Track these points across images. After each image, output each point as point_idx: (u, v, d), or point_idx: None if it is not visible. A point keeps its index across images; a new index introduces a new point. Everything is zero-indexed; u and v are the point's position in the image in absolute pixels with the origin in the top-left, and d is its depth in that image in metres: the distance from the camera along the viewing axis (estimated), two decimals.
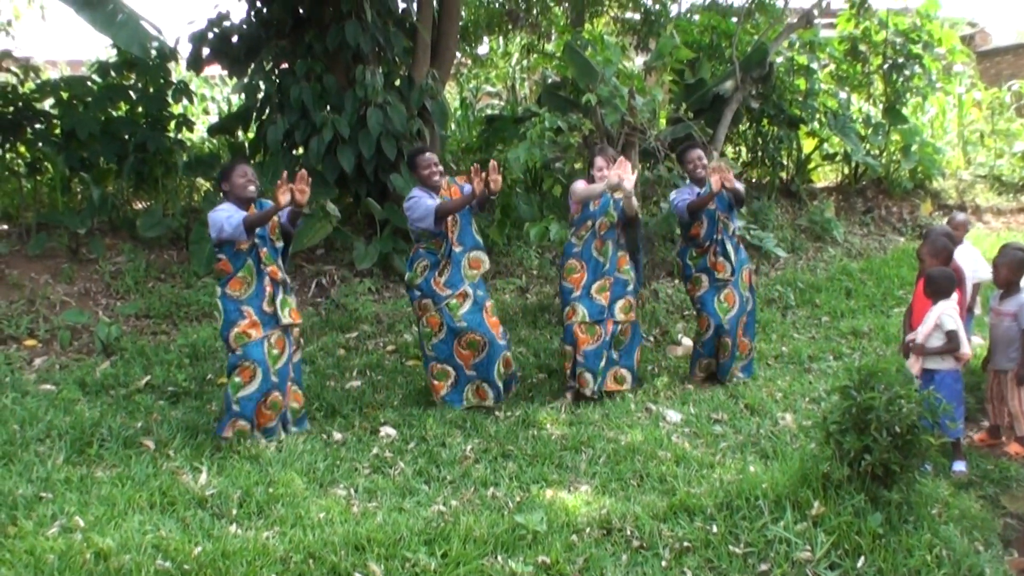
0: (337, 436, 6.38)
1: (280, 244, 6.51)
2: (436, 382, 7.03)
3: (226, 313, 6.21)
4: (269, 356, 6.21)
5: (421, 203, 6.81)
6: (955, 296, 6.03)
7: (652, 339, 8.79)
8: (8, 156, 10.24)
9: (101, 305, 8.68)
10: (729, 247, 7.60)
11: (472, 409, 6.91)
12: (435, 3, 10.97)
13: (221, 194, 6.42)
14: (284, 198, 5.99)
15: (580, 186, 7.27)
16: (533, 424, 6.59)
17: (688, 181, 7.76)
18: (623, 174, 6.80)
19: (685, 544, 4.69)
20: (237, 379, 6.12)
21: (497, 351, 6.95)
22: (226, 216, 6.10)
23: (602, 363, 7.23)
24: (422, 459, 5.96)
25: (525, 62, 17.32)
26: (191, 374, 7.45)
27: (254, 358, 6.13)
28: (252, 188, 6.32)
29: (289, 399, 6.43)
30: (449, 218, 6.90)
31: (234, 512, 5.06)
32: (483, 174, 6.65)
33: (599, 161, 7.25)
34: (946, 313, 5.88)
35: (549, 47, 16.49)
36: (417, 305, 7.06)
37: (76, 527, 4.72)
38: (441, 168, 7.06)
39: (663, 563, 4.59)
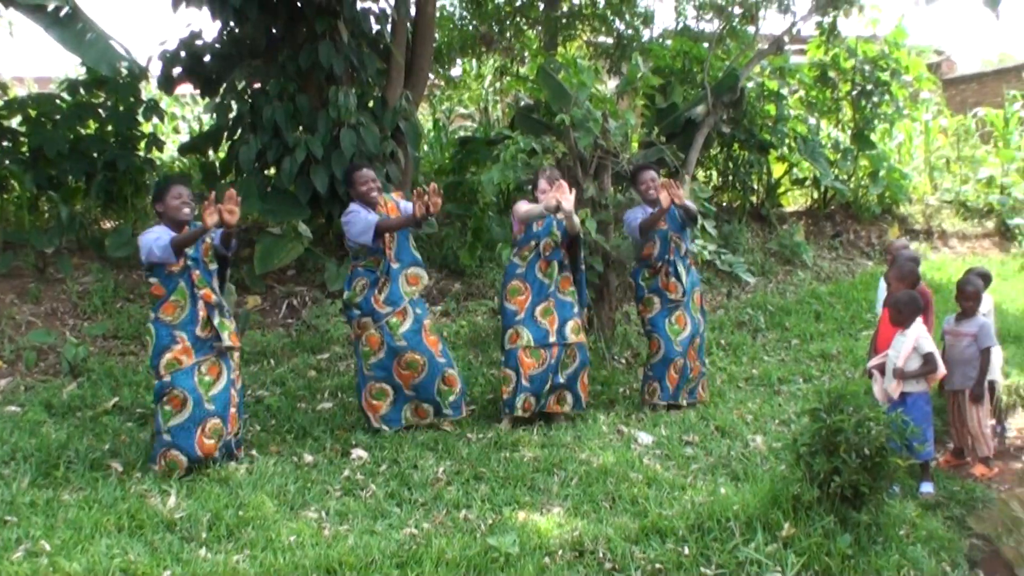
0: (308, 458, 6.35)
1: (214, 267, 6.36)
2: (374, 402, 6.91)
3: (158, 338, 6.03)
4: (200, 384, 6.04)
5: (360, 218, 6.77)
6: (919, 320, 6.11)
7: (624, 361, 8.82)
8: None
9: (68, 325, 8.60)
10: (681, 268, 7.61)
11: (441, 431, 6.90)
12: (409, 25, 11.00)
13: (156, 216, 6.29)
14: (211, 219, 5.79)
15: (522, 207, 7.23)
16: (505, 446, 6.59)
17: (641, 206, 7.76)
18: (560, 196, 6.81)
19: (657, 566, 4.71)
20: (167, 407, 5.97)
21: (436, 370, 6.91)
22: (155, 238, 5.96)
23: (547, 387, 7.19)
24: (394, 481, 5.94)
25: (498, 84, 17.40)
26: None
27: (183, 386, 5.97)
28: (187, 211, 6.16)
29: (231, 425, 6.22)
30: (387, 235, 6.87)
31: (203, 535, 5.02)
32: (424, 197, 6.54)
33: (542, 183, 7.24)
34: (922, 336, 5.97)
35: (522, 70, 16.57)
36: (356, 324, 6.96)
37: (42, 551, 4.67)
38: (379, 184, 7.04)
39: None
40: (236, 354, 6.41)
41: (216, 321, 6.14)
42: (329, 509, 5.49)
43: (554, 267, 7.25)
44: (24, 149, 9.81)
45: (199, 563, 4.58)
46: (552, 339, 7.15)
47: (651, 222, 7.41)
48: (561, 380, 7.25)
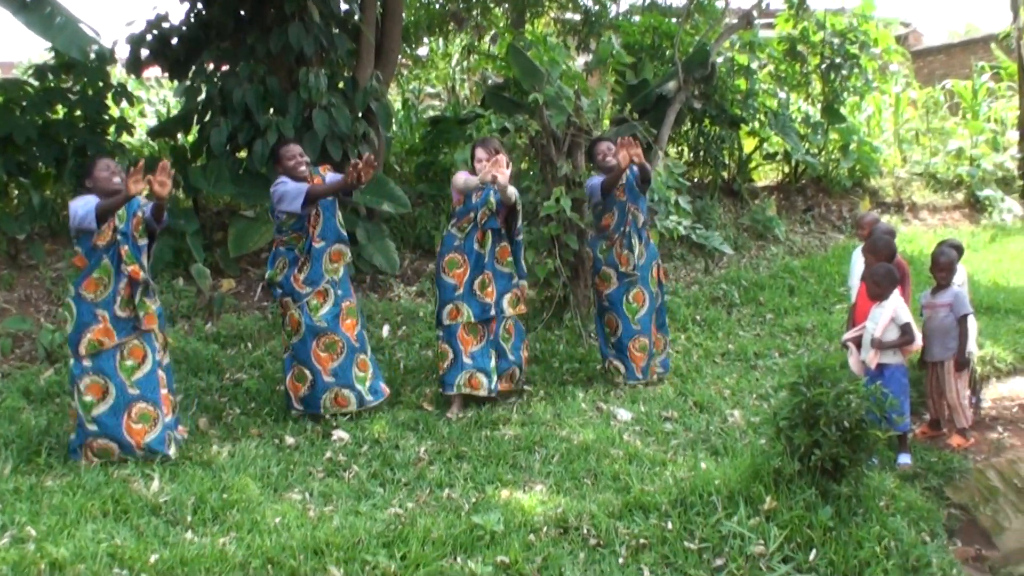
0: (289, 440, 6.38)
1: (144, 242, 6.14)
2: (296, 383, 6.82)
3: (78, 315, 5.86)
4: (122, 369, 5.88)
5: (290, 186, 6.62)
6: (896, 291, 6.19)
7: None
8: None
9: (43, 311, 8.56)
10: (635, 240, 7.61)
11: (422, 410, 6.94)
12: (378, 4, 10.96)
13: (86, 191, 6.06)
14: (135, 187, 5.57)
15: (460, 178, 7.16)
16: (486, 425, 6.64)
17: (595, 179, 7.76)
18: (495, 170, 6.79)
19: (641, 541, 4.78)
20: (88, 398, 5.81)
21: (353, 353, 6.85)
22: (82, 203, 5.82)
23: (492, 361, 7.10)
24: (376, 462, 5.98)
25: (465, 63, 17.36)
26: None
27: (104, 373, 5.83)
28: (117, 179, 5.97)
29: (166, 408, 6.07)
30: (312, 211, 6.73)
31: (189, 518, 5.04)
32: (357, 164, 6.47)
33: (479, 152, 7.12)
34: (900, 307, 6.06)
35: (492, 48, 16.54)
36: (279, 303, 6.92)
37: (28, 537, 4.67)
38: (307, 159, 6.91)
39: (620, 560, 4.67)
40: (160, 336, 6.24)
41: (136, 300, 5.96)
42: (313, 490, 5.53)
43: (489, 237, 7.13)
44: None
45: (186, 546, 4.60)
46: (492, 312, 7.07)
47: (612, 180, 7.41)
48: (510, 358, 7.23)
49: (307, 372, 6.77)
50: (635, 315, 7.62)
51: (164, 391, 6.11)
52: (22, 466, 5.77)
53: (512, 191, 7.09)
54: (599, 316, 7.91)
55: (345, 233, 7.00)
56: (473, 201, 7.13)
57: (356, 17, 10.84)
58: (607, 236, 7.69)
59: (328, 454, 6.13)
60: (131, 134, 11.40)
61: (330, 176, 6.95)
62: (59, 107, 10.19)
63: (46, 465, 5.78)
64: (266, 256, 10.00)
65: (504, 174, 6.85)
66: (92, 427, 5.84)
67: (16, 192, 10.24)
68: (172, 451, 5.99)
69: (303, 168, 6.80)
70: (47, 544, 4.53)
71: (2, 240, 9.24)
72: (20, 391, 7.05)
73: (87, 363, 5.83)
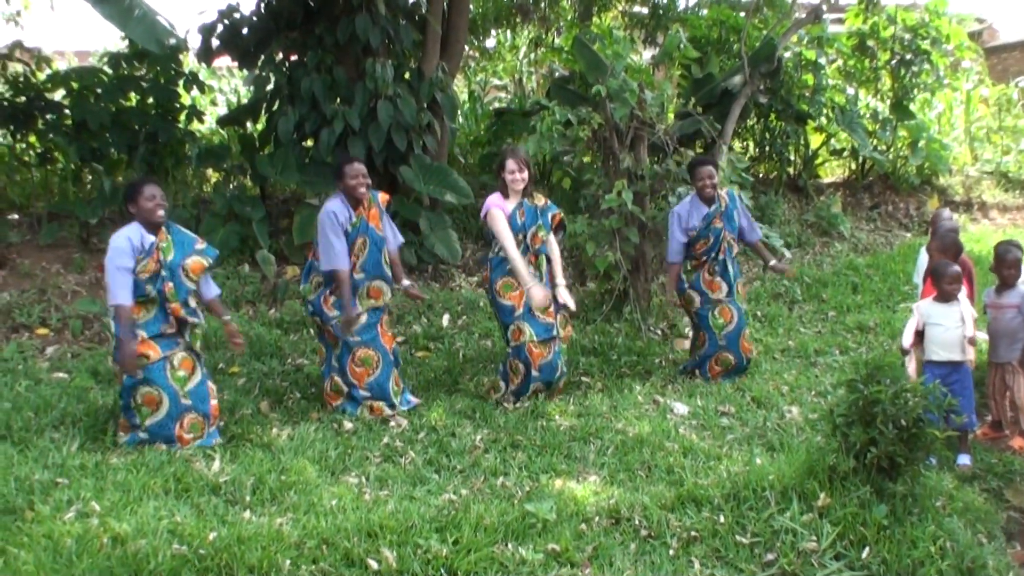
0: (348, 425, 6.45)
1: (192, 282, 6.10)
2: (332, 392, 6.81)
3: (117, 335, 5.79)
4: (175, 380, 5.91)
5: (334, 247, 6.48)
6: (964, 289, 6.10)
7: (659, 332, 8.85)
8: (19, 146, 10.34)
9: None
10: (729, 267, 7.52)
11: (479, 399, 6.98)
12: None
13: (129, 215, 6.03)
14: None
15: (498, 218, 6.87)
16: (542, 415, 6.66)
17: (692, 196, 7.59)
18: (539, 298, 6.81)
19: (692, 534, 4.76)
20: (144, 408, 5.86)
21: (390, 368, 6.76)
22: (119, 266, 5.74)
23: (557, 375, 7.05)
24: (432, 449, 6.04)
25: (532, 55, 17.37)
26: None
27: (157, 384, 5.85)
28: (161, 213, 5.91)
29: (212, 420, 6.11)
30: (359, 240, 6.62)
31: (248, 499, 5.14)
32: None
33: (510, 164, 6.93)
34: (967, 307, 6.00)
35: (557, 41, 16.54)
36: (312, 319, 6.88)
37: (92, 512, 4.79)
38: (368, 181, 6.69)
39: (671, 552, 4.66)
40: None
41: (188, 334, 6.07)
42: (369, 475, 5.60)
43: (543, 260, 7.03)
44: (68, 122, 9.95)
45: (244, 525, 4.68)
46: (554, 332, 6.96)
47: (673, 278, 7.62)
48: (564, 370, 7.18)
49: (343, 386, 6.76)
50: (721, 331, 7.53)
51: (214, 402, 6.16)
52: (88, 444, 5.91)
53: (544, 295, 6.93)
54: (695, 330, 7.83)
55: (389, 273, 6.83)
56: (519, 221, 6.95)
57: (423, 9, 10.90)
58: (695, 257, 7.57)
59: (385, 440, 6.19)
60: (201, 122, 11.60)
61: (384, 216, 6.83)
62: (132, 95, 10.43)
63: (111, 443, 5.92)
64: None
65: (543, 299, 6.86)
66: (143, 435, 5.92)
67: (89, 178, 10.49)
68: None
69: (363, 190, 6.61)
70: (110, 519, 4.65)
71: (75, 224, 9.47)
72: (89, 371, 7.23)
73: (139, 375, 5.83)
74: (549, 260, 7.08)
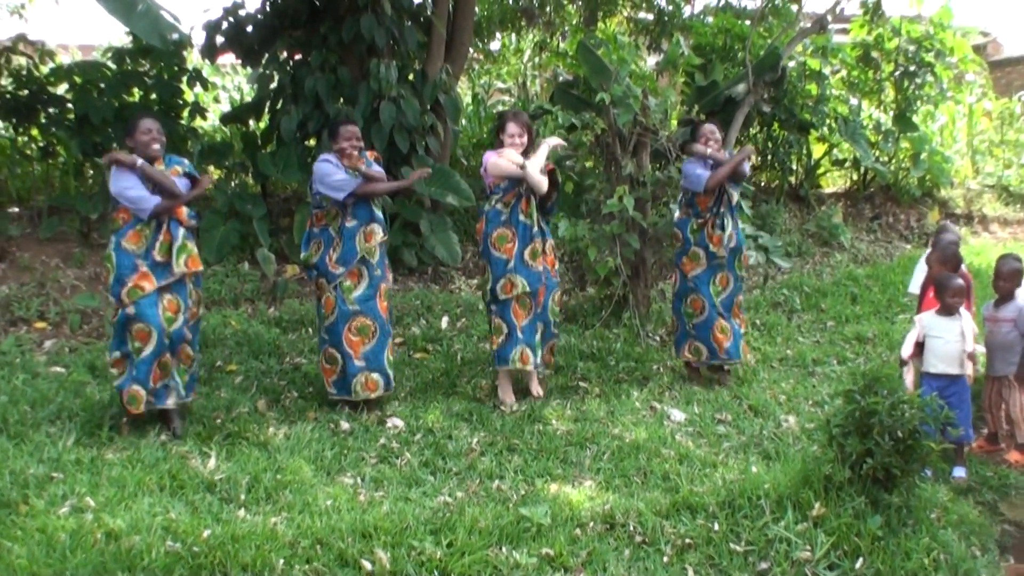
0: (344, 426, 6.45)
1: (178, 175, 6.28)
2: (327, 366, 6.81)
3: (118, 268, 5.98)
4: (164, 318, 6.02)
5: (338, 175, 6.60)
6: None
7: (658, 339, 8.85)
8: (21, 140, 10.33)
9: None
10: (728, 221, 7.46)
11: (477, 402, 6.98)
12: None
13: (128, 149, 6.16)
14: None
15: (500, 163, 6.90)
16: (539, 419, 6.66)
17: (693, 161, 7.53)
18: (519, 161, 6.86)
19: (687, 541, 4.77)
20: (137, 343, 5.96)
21: (386, 338, 6.81)
22: (131, 184, 5.96)
23: (537, 336, 7.07)
24: (428, 451, 6.04)
25: (537, 59, 17.38)
26: (200, 360, 7.48)
27: (148, 320, 5.95)
28: (156, 146, 6.10)
29: (179, 360, 6.24)
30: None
31: (242, 497, 5.14)
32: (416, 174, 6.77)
33: (511, 126, 6.97)
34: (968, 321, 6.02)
35: (562, 45, 16.55)
36: (315, 284, 6.89)
37: (87, 507, 4.80)
38: (361, 144, 6.79)
39: (665, 559, 4.66)
40: (195, 291, 6.36)
41: (176, 244, 6.07)
42: (365, 475, 5.60)
43: (533, 206, 7.04)
44: (70, 116, 9.94)
45: (238, 523, 4.69)
46: (543, 280, 7.01)
47: (720, 178, 7.29)
48: (553, 330, 7.27)
49: (338, 355, 6.74)
50: (718, 297, 7.53)
51: (185, 346, 6.27)
52: (84, 438, 5.90)
53: (541, 180, 6.95)
54: (679, 299, 7.71)
55: (380, 213, 6.90)
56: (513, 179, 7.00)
57: (428, 10, 10.91)
58: (699, 214, 7.51)
59: (382, 441, 6.19)
60: (204, 119, 11.59)
61: (375, 168, 6.83)
62: (135, 90, 10.41)
63: (107, 438, 5.91)
64: None
65: (532, 163, 6.86)
66: (133, 371, 5.99)
67: (91, 172, 10.49)
68: (170, 402, 6.16)
69: (355, 152, 6.71)
70: (105, 515, 4.66)
71: (75, 219, 9.46)
72: (86, 366, 7.23)
73: (131, 310, 5.94)
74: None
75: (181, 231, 6.14)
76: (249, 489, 5.24)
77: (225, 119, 11.79)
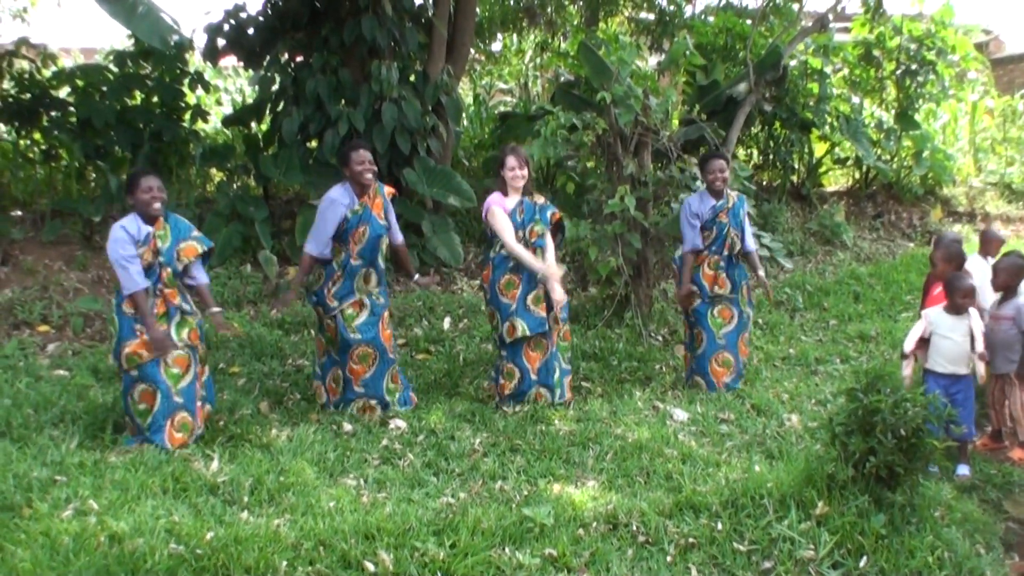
0: (347, 427, 6.45)
1: (183, 264, 6.14)
2: (333, 385, 6.85)
3: (120, 329, 5.91)
4: (168, 376, 5.93)
5: (326, 224, 6.58)
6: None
7: (660, 338, 8.85)
8: (24, 143, 10.35)
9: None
10: (725, 265, 7.46)
11: (479, 403, 6.98)
12: None
13: (129, 206, 6.07)
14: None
15: (499, 216, 6.88)
16: (541, 420, 6.65)
17: (703, 188, 7.58)
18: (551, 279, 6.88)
19: (690, 540, 4.76)
20: (142, 406, 5.88)
21: (386, 366, 6.76)
22: (124, 255, 5.83)
23: (556, 374, 7.07)
24: (431, 451, 6.04)
25: (538, 60, 17.39)
26: (213, 385, 7.49)
27: (151, 379, 5.87)
28: (157, 206, 5.95)
29: (199, 419, 6.12)
30: (359, 230, 6.64)
31: (245, 499, 5.13)
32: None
33: (511, 160, 6.93)
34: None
35: (563, 45, 16.55)
36: (315, 309, 6.88)
37: (90, 510, 4.79)
38: (375, 168, 6.75)
39: (668, 558, 4.65)
40: (202, 347, 6.26)
41: (175, 321, 6.01)
42: (368, 477, 5.59)
43: (539, 254, 7.01)
44: (72, 119, 9.96)
45: (241, 526, 4.68)
46: (546, 327, 6.97)
47: (684, 278, 7.46)
48: (565, 367, 7.21)
49: (340, 378, 6.79)
50: (719, 330, 7.48)
51: (198, 403, 6.14)
52: (87, 442, 5.90)
53: (556, 278, 6.98)
54: (690, 329, 7.72)
55: (382, 265, 6.84)
56: (518, 219, 6.98)
57: (429, 11, 10.91)
58: (698, 252, 7.48)
59: (384, 442, 6.19)
60: (206, 121, 11.61)
61: (388, 204, 6.82)
62: (137, 93, 10.45)
63: (110, 441, 5.91)
64: None
65: (558, 290, 6.91)
66: (148, 433, 5.88)
67: (93, 175, 10.50)
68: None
69: (369, 176, 6.65)
70: (108, 518, 4.64)
71: (78, 221, 9.48)
72: (89, 369, 7.24)
73: (133, 373, 5.88)
74: (544, 253, 7.07)
75: (176, 310, 6.06)
76: (252, 491, 5.23)
77: (227, 121, 11.79)
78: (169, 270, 6.00)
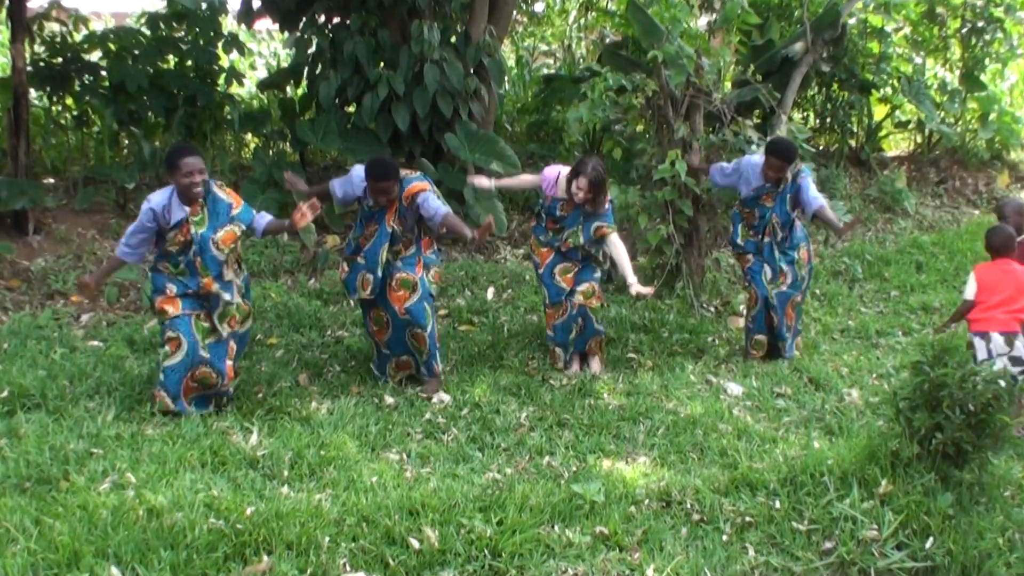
0: (389, 400, 6.46)
1: (224, 253, 6.08)
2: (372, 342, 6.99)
3: (153, 282, 6.14)
4: (197, 329, 5.99)
5: (352, 177, 6.70)
6: None
7: (713, 310, 8.78)
8: (55, 109, 10.41)
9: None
10: (775, 252, 7.47)
11: (525, 376, 6.98)
12: None
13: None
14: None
15: (527, 177, 7.41)
16: (589, 393, 6.64)
17: (763, 163, 7.40)
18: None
19: (747, 519, 4.74)
20: (165, 348, 5.96)
21: (401, 327, 6.66)
22: (132, 230, 6.03)
23: (571, 335, 7.21)
24: (476, 426, 6.05)
25: (583, 20, 17.23)
26: (248, 339, 7.51)
27: (180, 330, 5.93)
28: (198, 189, 5.90)
29: (227, 379, 6.14)
30: (370, 226, 6.66)
31: (286, 473, 5.17)
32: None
33: (582, 181, 6.84)
34: None
35: (610, 5, 16.39)
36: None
37: (128, 483, 4.85)
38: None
39: (724, 537, 4.64)
40: (244, 304, 6.33)
41: (217, 312, 6.06)
42: (411, 451, 5.62)
43: (578, 254, 7.20)
44: (105, 84, 9.99)
45: (282, 500, 4.71)
46: (562, 297, 7.12)
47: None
48: (597, 327, 7.26)
49: (371, 340, 6.92)
50: (773, 289, 7.47)
51: (230, 363, 6.16)
52: (124, 414, 5.95)
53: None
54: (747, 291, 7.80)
55: (380, 273, 6.60)
56: (558, 213, 7.11)
57: None
58: (751, 226, 7.55)
59: (428, 416, 6.21)
60: (241, 85, 11.62)
61: (422, 204, 6.64)
62: (170, 57, 10.46)
63: (148, 413, 5.95)
64: None
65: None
66: (161, 376, 5.96)
67: (126, 141, 10.56)
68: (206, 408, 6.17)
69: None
70: (146, 491, 4.69)
71: (111, 189, 9.54)
72: (124, 340, 7.30)
73: (165, 321, 6.01)
74: (614, 263, 7.19)
75: (220, 294, 6.09)
76: (292, 465, 5.27)
77: (262, 85, 11.80)
78: (200, 259, 5.99)
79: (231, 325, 6.19)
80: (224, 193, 6.18)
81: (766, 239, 7.47)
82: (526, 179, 7.88)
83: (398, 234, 6.65)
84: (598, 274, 7.35)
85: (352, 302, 6.84)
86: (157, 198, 5.98)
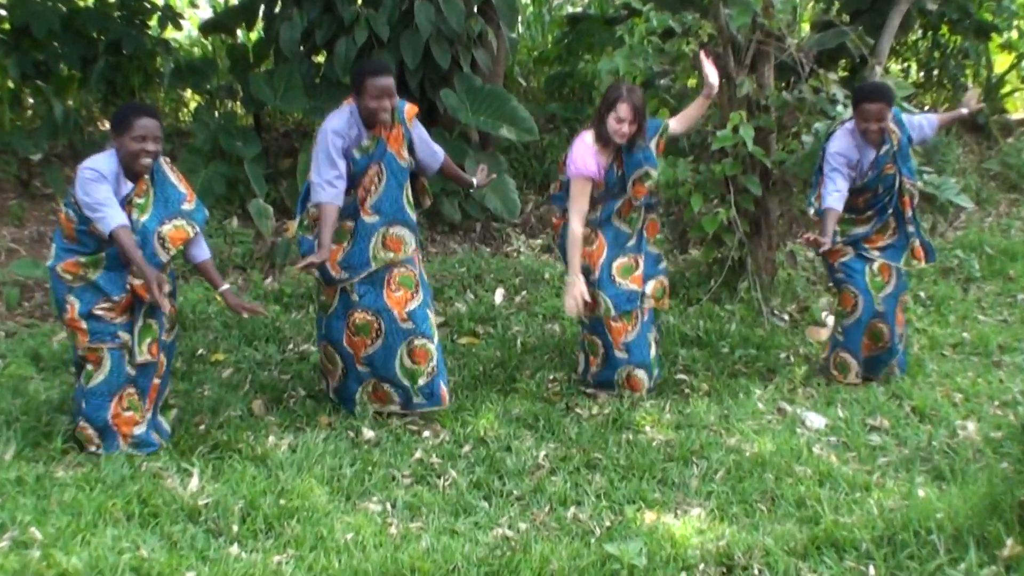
0: (368, 434, 6.46)
1: (168, 254, 6.00)
2: (328, 365, 6.82)
3: (55, 291, 6.03)
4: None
5: (324, 173, 6.36)
6: None
7: (788, 317, 8.78)
8: None
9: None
10: (907, 226, 7.35)
11: (544, 402, 6.97)
12: None
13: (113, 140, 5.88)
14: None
15: (580, 200, 6.85)
16: (627, 426, 6.63)
17: (851, 128, 7.24)
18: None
19: None
20: (89, 367, 5.94)
21: (397, 339, 6.62)
22: (98, 198, 5.63)
23: (652, 350, 7.18)
24: (480, 467, 6.04)
25: None
26: (177, 347, 7.53)
27: (100, 339, 5.90)
28: (146, 161, 5.76)
29: (148, 402, 6.15)
30: (372, 170, 6.49)
31: (235, 529, 5.16)
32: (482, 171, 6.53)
33: (623, 108, 6.66)
34: None
35: None
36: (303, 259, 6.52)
37: (33, 541, 4.83)
38: (395, 101, 6.45)
39: None
40: (171, 336, 6.32)
41: (138, 325, 5.95)
42: (396, 501, 5.61)
43: (640, 212, 7.10)
44: (4, 27, 10.02)
45: (230, 562, 4.71)
46: (637, 303, 7.04)
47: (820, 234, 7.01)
48: (660, 267, 7.30)
49: (336, 357, 6.74)
50: (879, 292, 7.33)
51: (156, 380, 6.18)
52: (27, 451, 5.95)
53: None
54: (837, 288, 7.62)
55: (412, 216, 6.69)
56: (615, 176, 6.94)
57: None
58: (857, 210, 7.37)
59: (418, 454, 6.21)
60: (179, 28, 11.66)
61: (416, 132, 6.68)
62: None
63: (58, 451, 5.95)
64: None
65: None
66: (83, 404, 5.94)
67: (32, 100, 10.57)
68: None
69: (385, 115, 6.37)
70: (55, 551, 4.68)
71: (12, 162, 9.57)
72: (28, 355, 7.32)
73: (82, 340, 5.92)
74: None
75: (141, 305, 5.98)
76: (244, 518, 5.26)
77: (206, 28, 11.83)
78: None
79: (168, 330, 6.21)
80: (176, 178, 6.12)
81: (889, 208, 7.28)
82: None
83: (405, 175, 6.61)
84: (664, 264, 7.36)
85: (323, 298, 6.66)
86: (93, 162, 5.73)
